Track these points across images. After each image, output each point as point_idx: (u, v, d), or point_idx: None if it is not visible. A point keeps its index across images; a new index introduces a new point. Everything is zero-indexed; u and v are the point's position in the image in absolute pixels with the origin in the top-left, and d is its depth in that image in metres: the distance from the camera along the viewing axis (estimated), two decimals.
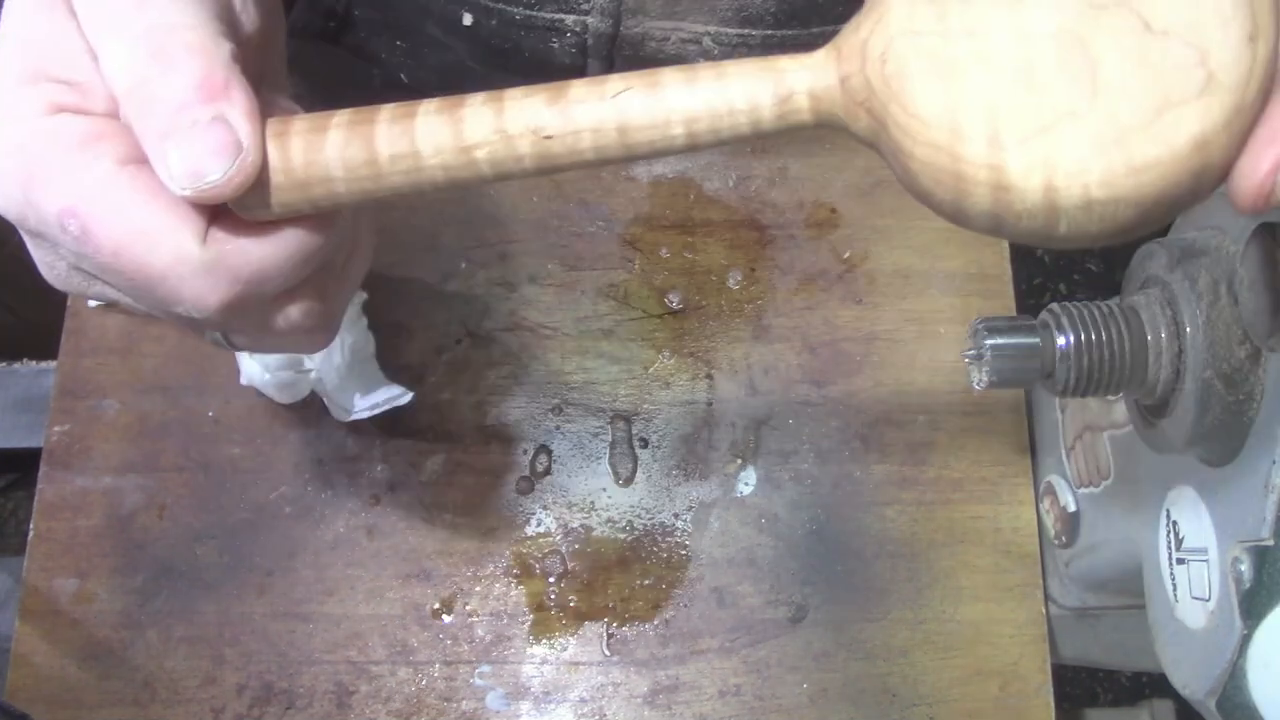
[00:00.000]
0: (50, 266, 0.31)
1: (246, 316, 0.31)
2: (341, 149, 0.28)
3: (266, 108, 0.31)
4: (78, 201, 0.27)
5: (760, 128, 0.27)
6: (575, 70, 0.62)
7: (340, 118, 0.28)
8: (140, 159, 0.28)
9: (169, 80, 0.27)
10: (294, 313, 0.31)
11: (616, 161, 0.28)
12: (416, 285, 0.63)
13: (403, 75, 0.67)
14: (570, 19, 0.59)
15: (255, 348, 0.39)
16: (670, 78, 0.27)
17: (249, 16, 0.31)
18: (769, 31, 0.59)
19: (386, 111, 0.28)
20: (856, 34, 0.26)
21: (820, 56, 0.27)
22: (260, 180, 0.28)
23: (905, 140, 0.25)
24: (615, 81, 0.27)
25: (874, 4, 0.26)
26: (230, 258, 0.28)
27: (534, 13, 0.59)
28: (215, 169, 0.26)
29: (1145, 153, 0.23)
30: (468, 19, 0.60)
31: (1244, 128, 0.23)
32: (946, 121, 0.24)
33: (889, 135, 0.26)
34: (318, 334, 0.34)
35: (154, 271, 0.28)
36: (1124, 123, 0.23)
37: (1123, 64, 0.23)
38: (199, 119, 0.26)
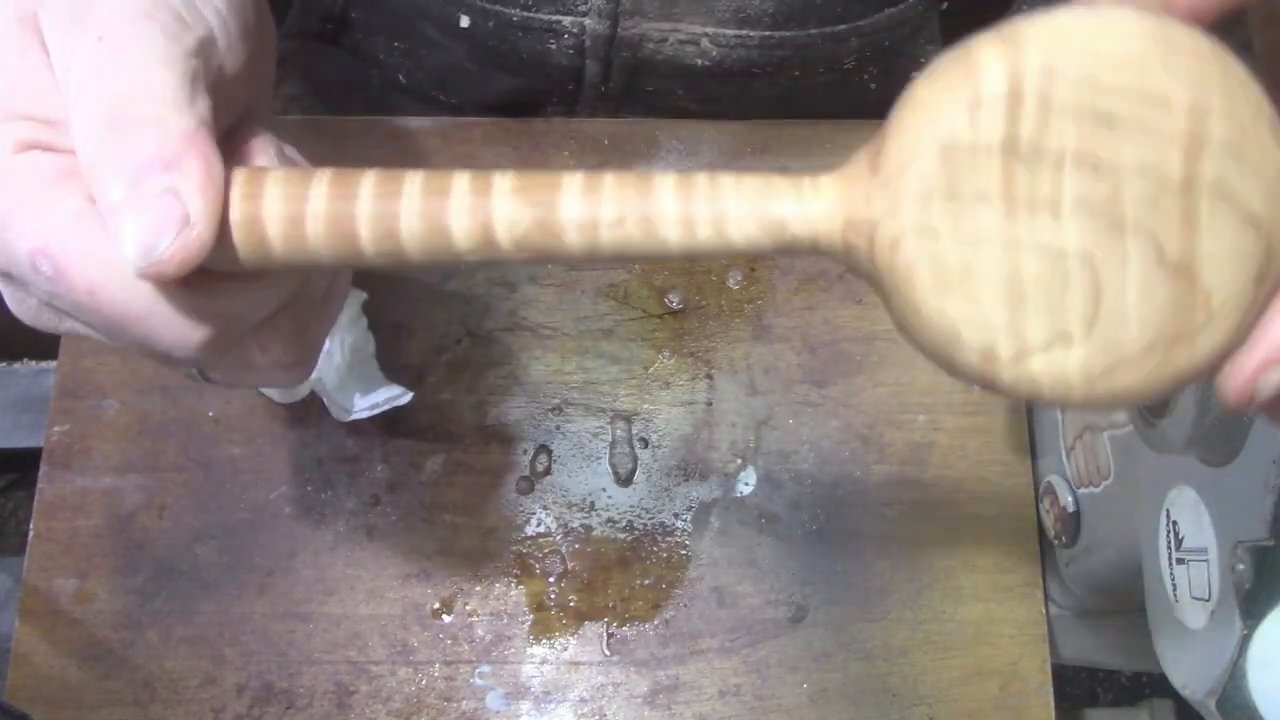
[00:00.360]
0: (20, 303, 0.30)
1: (226, 355, 0.30)
2: (322, 240, 0.26)
3: (250, 140, 0.30)
4: (49, 241, 0.26)
5: (760, 254, 0.27)
6: (573, 72, 0.62)
7: (316, 203, 0.26)
8: None
9: (123, 154, 0.26)
10: (273, 348, 0.31)
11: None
12: (416, 285, 0.63)
13: (401, 76, 0.67)
14: (567, 20, 0.59)
15: (233, 383, 0.39)
16: (667, 210, 0.26)
17: (235, 55, 0.30)
18: (767, 33, 0.59)
19: (366, 203, 0.26)
20: (866, 207, 0.25)
21: (826, 206, 0.25)
22: (225, 247, 0.26)
23: (903, 322, 0.25)
24: (609, 205, 0.26)
25: (886, 177, 0.24)
26: (211, 296, 0.28)
27: (531, 14, 0.59)
28: (161, 244, 0.25)
29: (1129, 382, 0.24)
30: (465, 21, 0.60)
31: (1230, 355, 0.24)
32: (947, 329, 0.25)
33: (888, 306, 0.26)
34: (297, 367, 0.33)
35: (131, 311, 0.27)
36: (1115, 355, 0.24)
37: (1127, 296, 0.23)
38: (149, 192, 0.26)
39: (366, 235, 0.26)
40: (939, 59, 0.25)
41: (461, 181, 0.26)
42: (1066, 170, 0.23)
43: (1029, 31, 0.23)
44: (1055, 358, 0.24)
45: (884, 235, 0.24)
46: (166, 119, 0.26)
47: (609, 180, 0.26)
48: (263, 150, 0.30)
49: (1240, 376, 0.23)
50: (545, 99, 0.66)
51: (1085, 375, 0.24)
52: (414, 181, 0.26)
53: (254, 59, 0.31)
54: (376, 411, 0.58)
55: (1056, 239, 0.23)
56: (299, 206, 0.26)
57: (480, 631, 0.58)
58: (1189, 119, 0.23)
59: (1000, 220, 0.24)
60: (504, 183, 0.26)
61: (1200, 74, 0.23)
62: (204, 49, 0.29)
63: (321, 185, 0.26)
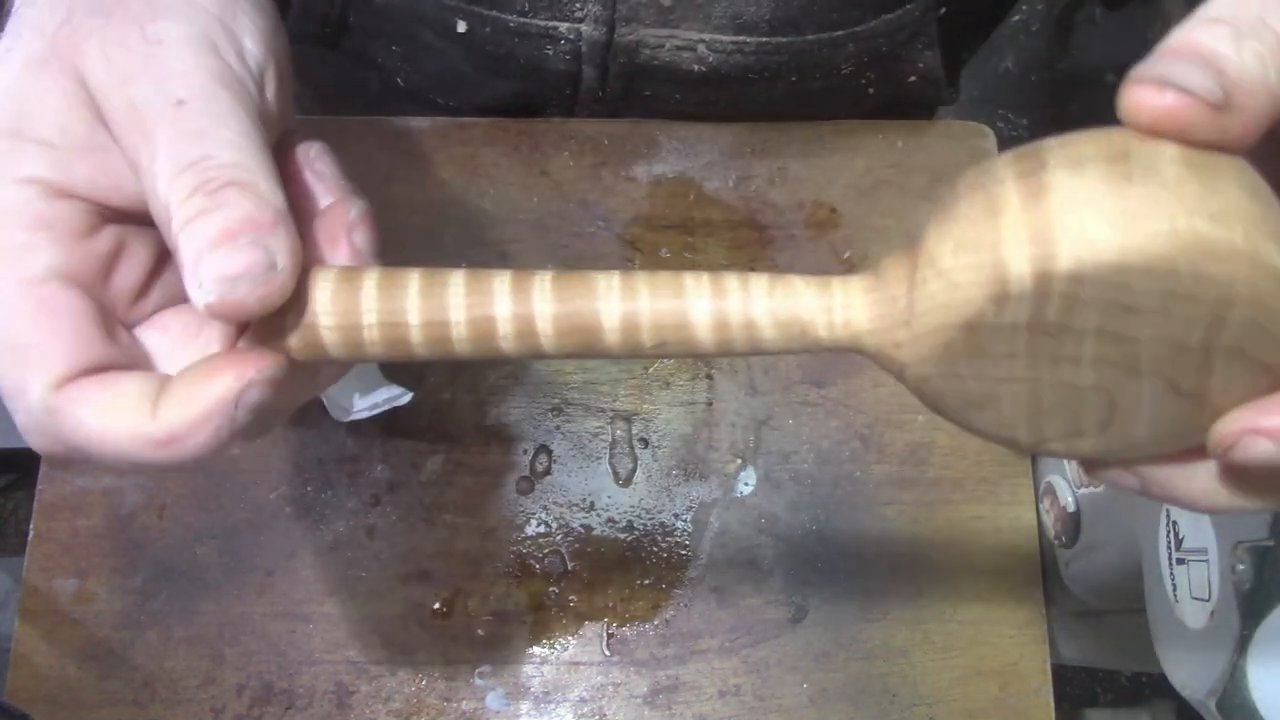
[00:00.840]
0: None
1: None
2: (379, 350, 0.28)
3: (291, 165, 0.31)
4: None
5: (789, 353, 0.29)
6: (570, 77, 0.62)
7: (370, 314, 0.27)
8: (62, 275, 0.28)
9: (222, 213, 0.27)
10: None
11: None
12: None
13: (399, 80, 0.67)
14: (564, 26, 0.59)
15: None
16: (703, 337, 0.27)
17: (273, 98, 0.31)
18: (763, 39, 0.59)
19: (417, 331, 0.27)
20: (896, 351, 0.27)
21: (856, 331, 0.28)
22: (281, 335, 0.28)
23: (933, 411, 0.28)
24: (648, 331, 0.27)
25: (914, 332, 0.26)
26: (64, 418, 0.27)
27: (527, 20, 0.59)
28: (244, 281, 0.26)
29: (1139, 457, 0.27)
30: (461, 26, 0.60)
31: None
32: (974, 429, 0.27)
33: (919, 398, 0.28)
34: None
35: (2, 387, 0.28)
36: (1125, 444, 0.26)
37: (1140, 412, 0.25)
38: (240, 242, 0.26)
39: (419, 344, 0.28)
40: (957, 198, 0.25)
41: (502, 314, 0.27)
42: (1088, 340, 0.24)
43: (1059, 230, 0.23)
44: (1071, 445, 0.27)
45: (911, 375, 0.27)
46: (265, 195, 0.27)
47: (644, 299, 0.27)
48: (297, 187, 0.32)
49: (1225, 437, 0.24)
50: (543, 104, 0.66)
51: (1098, 455, 0.27)
52: (459, 305, 0.27)
53: (285, 96, 0.32)
54: (376, 411, 0.58)
55: (1075, 379, 0.25)
56: (354, 317, 0.27)
57: (480, 631, 0.58)
58: (1212, 308, 0.23)
59: (1023, 369, 0.25)
60: (545, 308, 0.27)
61: (1229, 274, 0.23)
62: (262, 108, 0.30)
63: (372, 300, 0.27)
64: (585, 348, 0.27)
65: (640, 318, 0.27)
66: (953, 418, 0.27)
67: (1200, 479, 0.27)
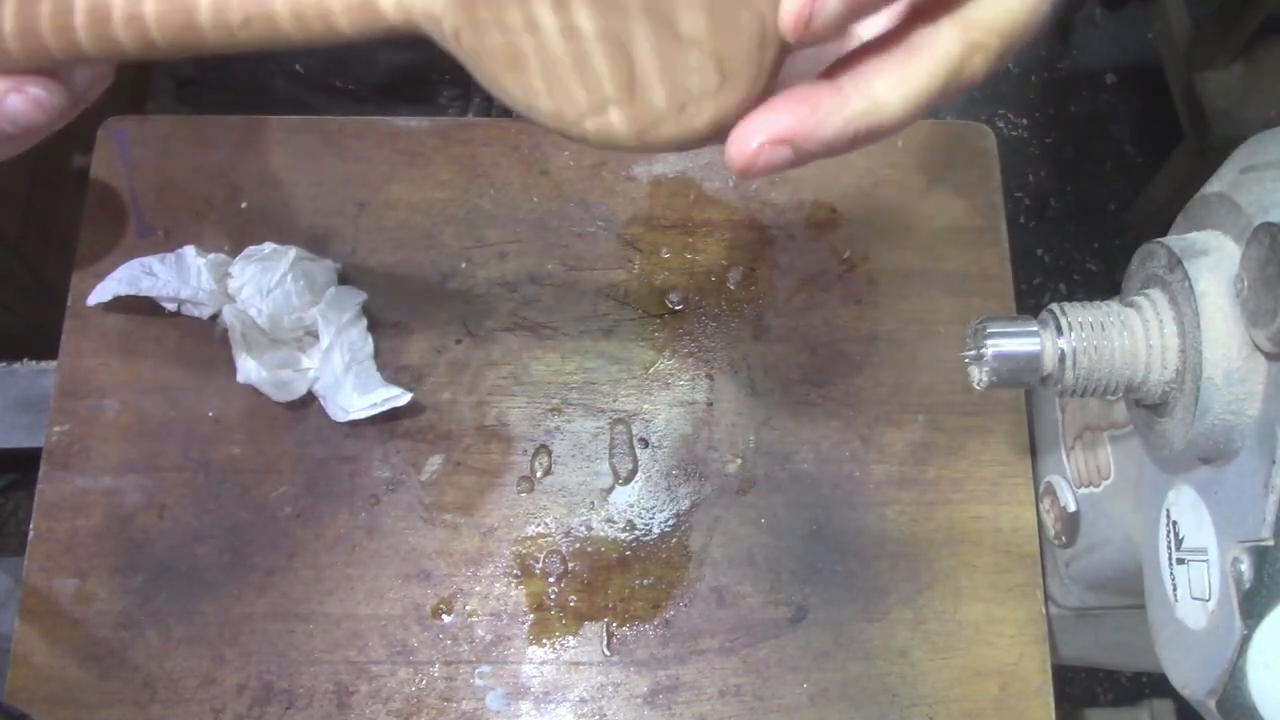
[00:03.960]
0: None
1: None
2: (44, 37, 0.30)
3: None
4: None
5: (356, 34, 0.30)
6: None
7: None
8: None
9: None
10: None
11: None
12: (416, 285, 0.63)
13: (298, 66, 0.68)
14: None
15: None
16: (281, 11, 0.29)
17: None
18: None
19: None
20: (433, 4, 0.29)
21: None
22: None
23: (492, 93, 0.30)
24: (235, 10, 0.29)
25: None
26: None
27: None
28: None
29: (671, 132, 0.29)
30: None
31: (751, 109, 0.28)
32: (522, 103, 0.29)
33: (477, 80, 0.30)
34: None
35: None
36: (656, 111, 0.28)
37: (655, 66, 0.28)
38: None
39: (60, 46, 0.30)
40: None
41: None
42: None
43: None
44: (610, 116, 0.29)
45: (448, 27, 0.29)
46: None
47: None
48: None
49: (746, 146, 0.26)
50: (438, 75, 0.66)
51: (636, 130, 0.29)
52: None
53: None
54: (375, 411, 0.58)
55: (587, 24, 0.27)
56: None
57: (480, 631, 0.58)
58: None
59: (538, 9, 0.27)
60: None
61: None
62: None
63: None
64: (190, 43, 0.30)
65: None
66: (493, 85, 0.29)
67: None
